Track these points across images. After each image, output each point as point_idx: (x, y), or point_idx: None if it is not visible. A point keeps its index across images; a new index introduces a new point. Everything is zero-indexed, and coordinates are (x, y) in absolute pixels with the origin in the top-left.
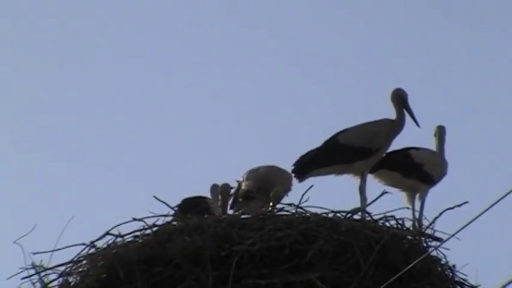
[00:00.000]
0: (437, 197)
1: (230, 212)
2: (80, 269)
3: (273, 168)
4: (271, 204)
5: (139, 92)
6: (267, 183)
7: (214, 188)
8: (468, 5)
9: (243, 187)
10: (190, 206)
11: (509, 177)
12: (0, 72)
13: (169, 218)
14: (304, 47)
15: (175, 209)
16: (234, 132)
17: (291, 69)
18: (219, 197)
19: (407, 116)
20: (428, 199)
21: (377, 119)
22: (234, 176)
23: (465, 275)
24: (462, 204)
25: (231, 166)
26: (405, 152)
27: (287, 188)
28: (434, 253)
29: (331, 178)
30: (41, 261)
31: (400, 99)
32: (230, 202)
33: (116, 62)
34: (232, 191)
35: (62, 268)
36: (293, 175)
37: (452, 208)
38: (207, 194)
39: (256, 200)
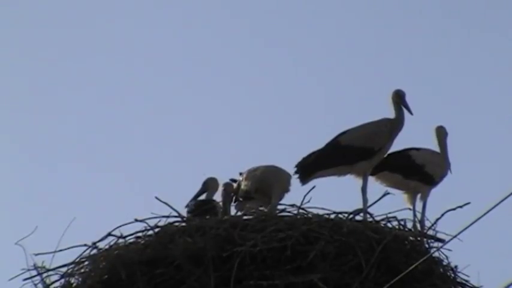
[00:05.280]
0: (439, 198)
1: (233, 207)
2: (82, 270)
3: (271, 169)
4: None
5: (139, 92)
6: (264, 184)
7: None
8: (468, 4)
9: (242, 187)
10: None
11: (511, 178)
12: (1, 74)
13: (171, 219)
14: (303, 47)
15: (188, 210)
16: (234, 133)
17: (291, 69)
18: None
19: (407, 114)
20: (430, 200)
21: (377, 119)
22: (234, 176)
23: (467, 276)
24: (464, 205)
25: (232, 166)
26: (406, 153)
27: (286, 189)
28: (436, 254)
29: (333, 179)
30: (43, 262)
31: (394, 99)
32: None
33: (118, 65)
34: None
35: (64, 269)
36: (296, 177)
37: (454, 209)
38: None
39: (255, 200)
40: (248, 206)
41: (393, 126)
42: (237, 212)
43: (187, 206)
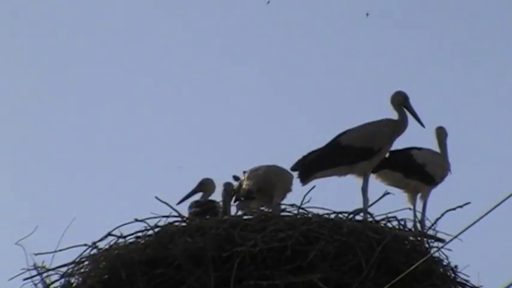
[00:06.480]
0: (439, 197)
1: (233, 207)
2: (82, 270)
3: (273, 169)
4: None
5: (139, 92)
6: (266, 184)
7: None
8: (468, 5)
9: (244, 186)
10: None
11: (511, 178)
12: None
13: (171, 219)
14: (303, 46)
15: (192, 212)
16: (233, 133)
17: (291, 69)
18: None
19: (410, 117)
20: (430, 200)
21: (377, 119)
22: (237, 174)
23: (467, 276)
24: (464, 205)
25: (232, 166)
26: (407, 152)
27: (288, 189)
28: (436, 254)
29: (333, 179)
30: (43, 262)
31: (400, 102)
32: (232, 200)
33: (117, 66)
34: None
35: (64, 269)
36: (297, 177)
37: (454, 209)
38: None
39: (256, 200)
40: (251, 206)
41: (396, 128)
42: (237, 212)
43: (190, 206)
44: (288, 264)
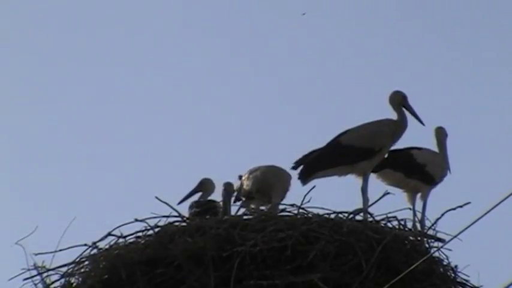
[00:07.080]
0: (439, 197)
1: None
2: (82, 270)
3: (271, 169)
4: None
5: (139, 92)
6: (265, 184)
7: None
8: (468, 5)
9: (244, 186)
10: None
11: (511, 178)
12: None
13: (171, 219)
14: (303, 46)
15: (193, 212)
16: (234, 133)
17: (292, 69)
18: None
19: (410, 116)
20: (430, 200)
21: (378, 119)
22: (235, 175)
23: (467, 276)
24: (464, 205)
25: (232, 166)
26: (407, 152)
27: (286, 189)
28: (436, 254)
29: (333, 179)
30: (43, 262)
31: (399, 101)
32: (233, 200)
33: (118, 65)
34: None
35: (64, 269)
36: (296, 174)
37: (454, 209)
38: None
39: (256, 200)
40: (252, 206)
41: (397, 128)
42: (237, 212)
43: (190, 206)
44: (288, 264)
